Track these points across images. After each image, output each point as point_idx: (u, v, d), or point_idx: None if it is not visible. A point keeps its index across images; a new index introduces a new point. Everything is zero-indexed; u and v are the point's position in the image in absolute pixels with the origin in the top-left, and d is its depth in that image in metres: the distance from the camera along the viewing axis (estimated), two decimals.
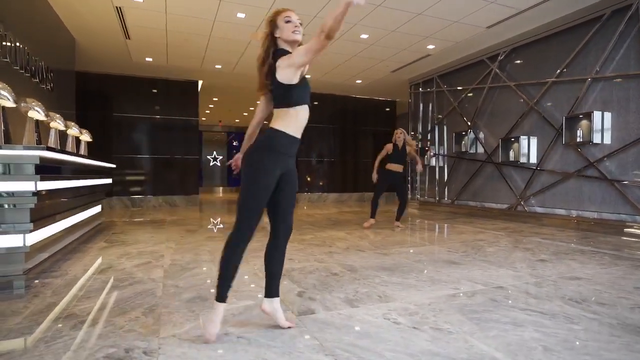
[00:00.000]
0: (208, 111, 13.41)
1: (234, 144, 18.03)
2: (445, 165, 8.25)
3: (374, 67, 8.17)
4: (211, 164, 17.62)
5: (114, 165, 5.41)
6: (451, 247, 4.03)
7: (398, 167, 5.43)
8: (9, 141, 2.62)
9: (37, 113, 3.21)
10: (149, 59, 7.61)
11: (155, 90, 9.14)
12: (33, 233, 2.56)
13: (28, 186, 2.39)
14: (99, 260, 3.37)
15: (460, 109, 7.68)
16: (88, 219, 4.40)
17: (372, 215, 5.51)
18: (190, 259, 3.45)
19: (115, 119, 8.78)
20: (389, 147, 5.45)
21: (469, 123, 7.43)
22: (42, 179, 2.46)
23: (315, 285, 2.65)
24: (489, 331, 1.87)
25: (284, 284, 2.68)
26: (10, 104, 2.63)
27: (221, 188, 18.24)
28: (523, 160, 6.25)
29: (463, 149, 7.55)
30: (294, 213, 2.04)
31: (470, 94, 7.46)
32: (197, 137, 9.75)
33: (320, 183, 10.88)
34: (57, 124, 3.83)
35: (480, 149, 7.26)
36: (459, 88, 7.71)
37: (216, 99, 11.50)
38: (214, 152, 17.74)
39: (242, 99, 11.69)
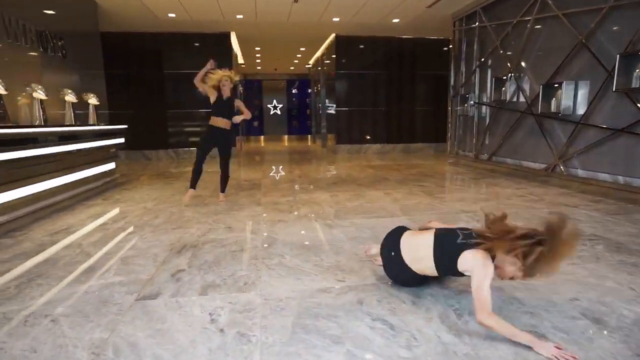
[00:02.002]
0: (259, 60, 13.39)
1: (293, 91, 17.96)
2: (487, 116, 7.18)
3: (405, 3, 7.13)
4: (271, 112, 17.95)
5: (124, 126, 5.80)
6: (419, 220, 3.59)
7: (222, 122, 4.27)
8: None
9: None
10: (172, 15, 7.69)
11: (197, 44, 9.33)
12: None
13: None
14: (65, 222, 3.74)
15: (503, 48, 6.43)
16: (89, 177, 4.85)
17: (192, 185, 4.33)
18: (142, 224, 3.62)
19: (166, 76, 9.27)
20: (212, 92, 4.23)
21: (510, 65, 6.21)
22: None
23: (206, 263, 2.59)
24: (291, 346, 1.64)
25: (178, 260, 2.65)
26: None
27: (285, 137, 18.65)
28: (566, 111, 5.11)
29: (503, 97, 6.43)
30: None
31: (514, 29, 6.15)
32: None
33: (364, 134, 10.38)
34: (39, 94, 4.15)
35: (522, 97, 6.10)
36: (502, 22, 6.39)
37: (258, 48, 11.36)
38: (274, 101, 17.95)
39: (284, 47, 11.35)
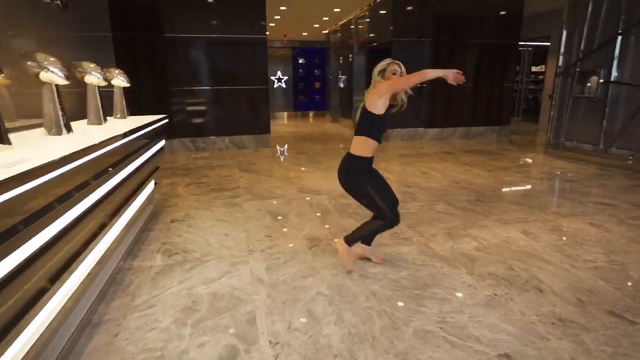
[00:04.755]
0: (273, 24, 11.11)
1: (300, 61, 15.71)
2: (620, 99, 5.61)
3: None
4: (275, 85, 15.66)
5: (164, 120, 3.75)
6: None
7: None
8: None
9: None
10: None
11: (210, 0, 7.06)
12: None
13: None
14: None
15: None
16: (130, 220, 2.90)
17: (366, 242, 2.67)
18: None
19: (168, 40, 6.97)
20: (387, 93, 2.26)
21: None
22: None
23: None
24: None
25: None
26: None
27: (286, 114, 16.49)
28: None
29: None
30: None
31: None
32: (265, 60, 7.77)
33: (419, 116, 8.59)
34: (54, 75, 2.11)
35: None
36: None
37: (284, 8, 9.12)
38: (278, 72, 15.66)
39: (315, 7, 9.19)
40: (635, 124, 5.44)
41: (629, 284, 2.35)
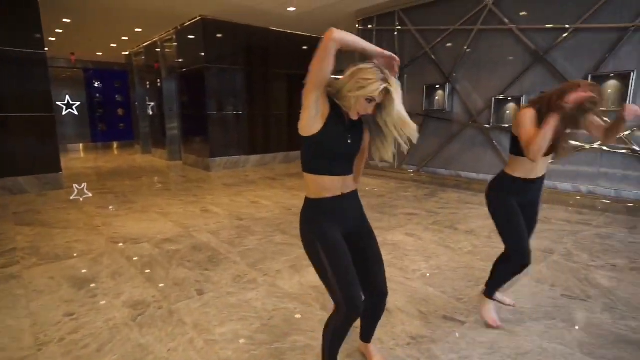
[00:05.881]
0: (54, 38, 9.18)
1: (95, 84, 13.54)
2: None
3: None
4: (64, 112, 12.98)
5: None
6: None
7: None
8: None
9: None
10: None
11: None
12: None
13: None
14: None
15: (435, 56, 6.17)
16: None
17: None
18: None
19: None
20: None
21: (446, 75, 6.02)
22: None
23: None
24: None
25: None
26: None
27: (81, 145, 13.87)
28: None
29: (436, 107, 6.21)
30: None
31: (451, 37, 5.94)
32: (47, 81, 6.24)
33: (240, 143, 8.46)
34: None
35: (459, 108, 6.01)
36: (436, 28, 6.10)
37: (68, 21, 7.61)
38: (67, 97, 13.05)
39: (110, 24, 8.04)
40: (417, 144, 6.71)
41: (449, 285, 2.70)
